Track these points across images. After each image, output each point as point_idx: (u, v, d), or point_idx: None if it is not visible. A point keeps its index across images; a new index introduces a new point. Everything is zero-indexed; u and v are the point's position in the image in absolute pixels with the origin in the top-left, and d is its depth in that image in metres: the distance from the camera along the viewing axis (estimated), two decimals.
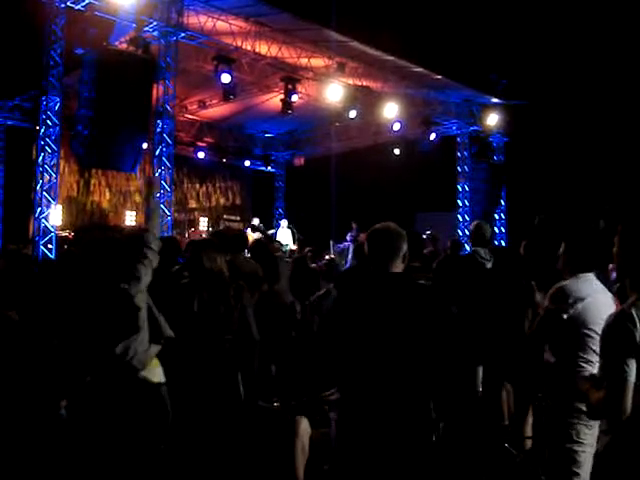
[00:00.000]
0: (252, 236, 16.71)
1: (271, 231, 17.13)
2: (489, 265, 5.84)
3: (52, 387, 3.51)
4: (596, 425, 3.40)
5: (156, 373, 3.55)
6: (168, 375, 3.73)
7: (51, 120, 11.04)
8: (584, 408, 3.37)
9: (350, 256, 14.52)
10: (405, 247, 3.04)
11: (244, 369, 4.08)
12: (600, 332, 3.42)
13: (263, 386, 4.55)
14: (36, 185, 11.17)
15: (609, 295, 3.56)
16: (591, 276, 3.53)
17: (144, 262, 3.50)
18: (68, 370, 3.48)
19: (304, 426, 4.42)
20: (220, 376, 3.97)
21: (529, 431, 5.07)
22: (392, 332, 2.85)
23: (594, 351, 3.41)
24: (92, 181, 18.53)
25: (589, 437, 3.39)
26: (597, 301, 3.46)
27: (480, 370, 4.60)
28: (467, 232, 17.14)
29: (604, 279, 3.68)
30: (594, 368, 3.37)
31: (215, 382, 3.94)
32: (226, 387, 3.97)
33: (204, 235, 17.48)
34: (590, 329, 3.42)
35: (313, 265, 8.01)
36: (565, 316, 3.40)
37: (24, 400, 3.44)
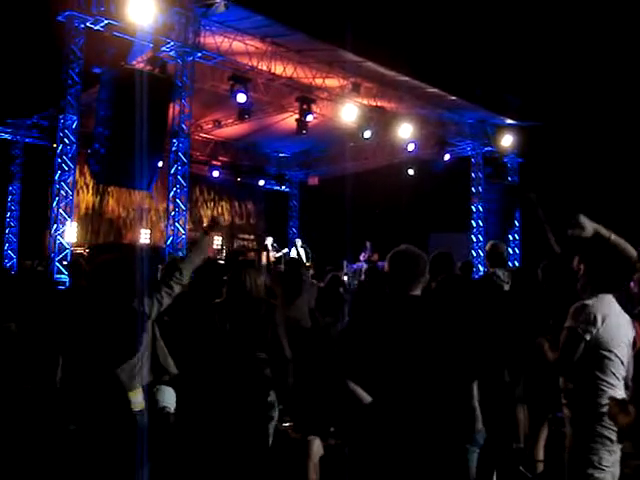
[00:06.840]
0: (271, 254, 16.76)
1: (284, 250, 17.14)
2: (507, 287, 5.79)
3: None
4: (618, 450, 3.32)
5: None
6: (198, 395, 3.73)
7: (68, 138, 11.13)
8: (606, 433, 3.31)
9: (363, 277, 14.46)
10: (426, 271, 3.04)
11: (278, 387, 4.08)
12: (620, 355, 3.39)
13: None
14: (52, 202, 11.25)
15: (627, 317, 3.50)
16: (610, 297, 3.48)
17: (165, 291, 3.51)
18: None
19: (316, 447, 4.38)
20: (253, 395, 3.95)
21: (541, 454, 4.99)
22: (414, 356, 2.83)
23: (614, 374, 3.34)
24: (108, 199, 18.69)
25: (611, 462, 3.32)
26: (616, 323, 3.40)
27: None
28: (481, 253, 17.06)
29: (627, 298, 3.62)
30: (614, 391, 3.31)
31: (247, 400, 3.93)
32: (258, 406, 3.96)
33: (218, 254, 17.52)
34: (610, 351, 3.35)
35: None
36: (588, 337, 3.34)
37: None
